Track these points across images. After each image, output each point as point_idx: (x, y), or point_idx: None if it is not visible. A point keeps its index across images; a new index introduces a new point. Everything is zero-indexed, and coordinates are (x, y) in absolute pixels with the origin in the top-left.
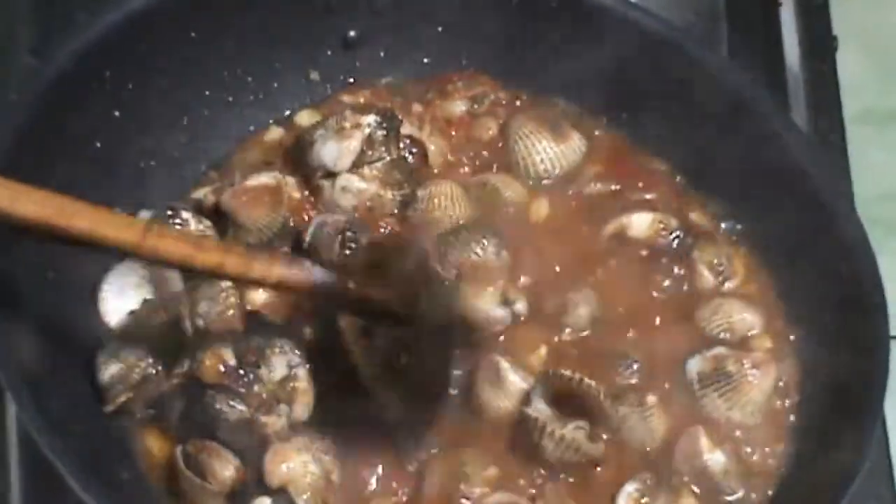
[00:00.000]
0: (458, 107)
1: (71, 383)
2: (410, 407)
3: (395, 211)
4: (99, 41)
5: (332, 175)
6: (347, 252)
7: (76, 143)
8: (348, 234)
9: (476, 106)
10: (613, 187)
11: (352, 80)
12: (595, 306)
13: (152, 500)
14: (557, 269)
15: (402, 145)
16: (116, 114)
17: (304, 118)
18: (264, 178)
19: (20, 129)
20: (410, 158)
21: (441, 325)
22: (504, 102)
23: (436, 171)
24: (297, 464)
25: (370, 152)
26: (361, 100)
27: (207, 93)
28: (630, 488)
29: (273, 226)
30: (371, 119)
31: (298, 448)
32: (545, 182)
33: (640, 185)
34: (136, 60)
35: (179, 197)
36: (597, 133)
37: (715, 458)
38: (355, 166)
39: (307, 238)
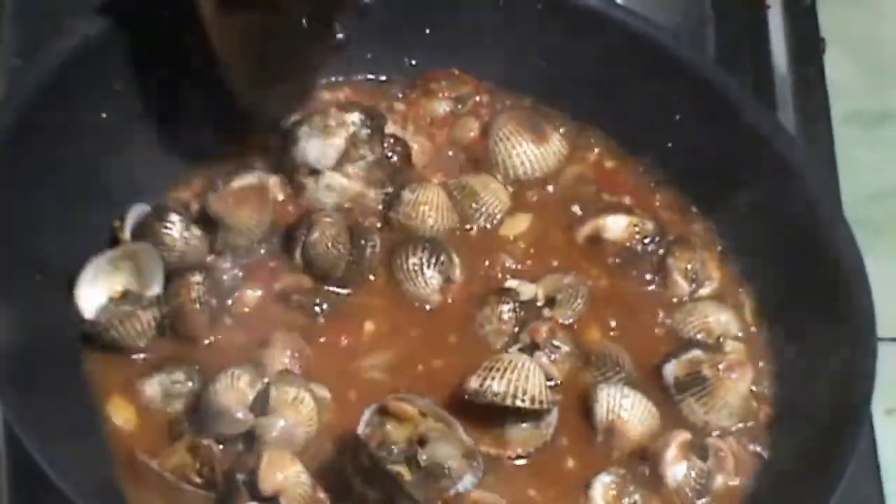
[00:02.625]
0: (442, 106)
1: (57, 382)
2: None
3: (379, 208)
4: (86, 43)
5: (315, 173)
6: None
7: (63, 144)
8: (363, 241)
9: (460, 106)
10: (592, 189)
11: (337, 80)
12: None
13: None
14: (533, 270)
15: (385, 144)
16: (104, 115)
17: None
18: (249, 179)
19: (7, 130)
20: (394, 158)
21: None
22: (486, 103)
23: (418, 169)
24: (292, 473)
25: (354, 151)
26: (341, 96)
27: (195, 93)
28: (607, 479)
29: (262, 226)
30: (356, 117)
31: (293, 459)
32: (524, 181)
33: (620, 187)
34: (123, 61)
35: (165, 196)
36: (579, 135)
37: (675, 471)
38: (339, 164)
39: (301, 238)
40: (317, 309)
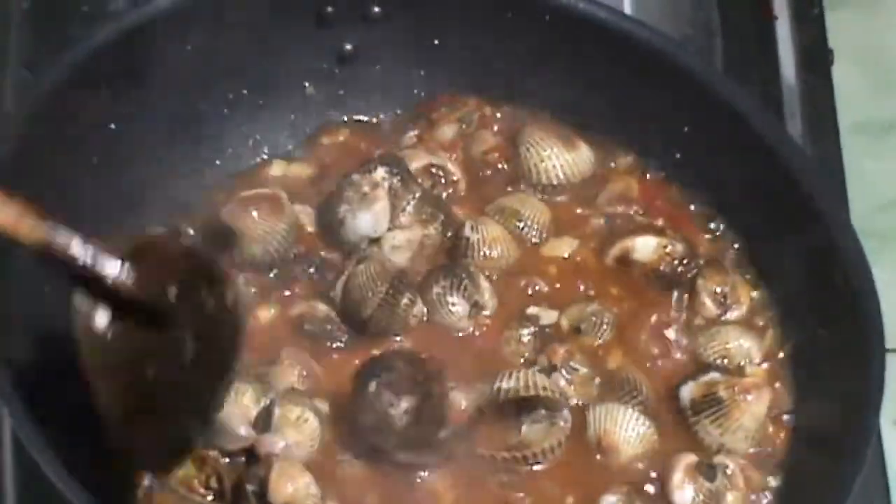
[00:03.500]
0: (450, 130)
1: (63, 391)
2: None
3: (446, 237)
4: (94, 54)
5: (374, 241)
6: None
7: (72, 157)
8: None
9: (465, 126)
10: (632, 208)
11: (345, 93)
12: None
13: None
14: (559, 287)
15: (434, 171)
16: (112, 127)
17: (295, 169)
18: (260, 190)
19: (16, 142)
20: (442, 183)
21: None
22: (491, 115)
23: (462, 193)
24: (301, 485)
25: (398, 202)
26: (341, 138)
27: (203, 106)
28: (612, 499)
29: (276, 234)
30: (382, 172)
31: (302, 469)
32: (558, 191)
33: (656, 208)
34: (132, 73)
35: (179, 213)
36: (605, 147)
37: (683, 495)
38: (390, 222)
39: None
40: (330, 344)
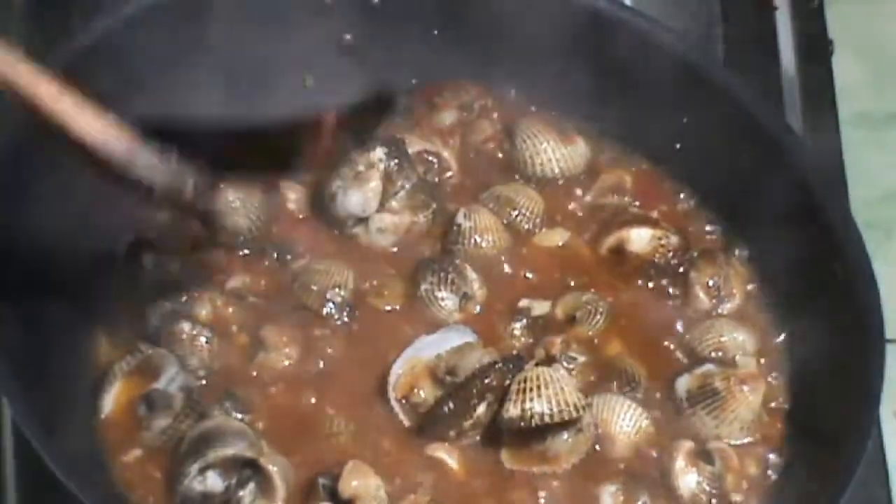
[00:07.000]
0: (449, 117)
1: (65, 386)
2: None
3: (434, 226)
4: (93, 46)
5: (362, 220)
6: None
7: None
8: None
9: (465, 114)
10: (626, 199)
11: (346, 84)
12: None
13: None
14: (552, 277)
15: (427, 158)
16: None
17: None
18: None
19: (16, 133)
20: (435, 169)
21: None
22: (493, 106)
23: (450, 175)
24: (372, 485)
25: (391, 185)
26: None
27: (199, 100)
28: (612, 488)
29: (251, 201)
30: (380, 153)
31: (374, 473)
32: (552, 183)
33: (652, 199)
34: (132, 65)
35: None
36: (602, 140)
37: (686, 481)
38: (381, 204)
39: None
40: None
